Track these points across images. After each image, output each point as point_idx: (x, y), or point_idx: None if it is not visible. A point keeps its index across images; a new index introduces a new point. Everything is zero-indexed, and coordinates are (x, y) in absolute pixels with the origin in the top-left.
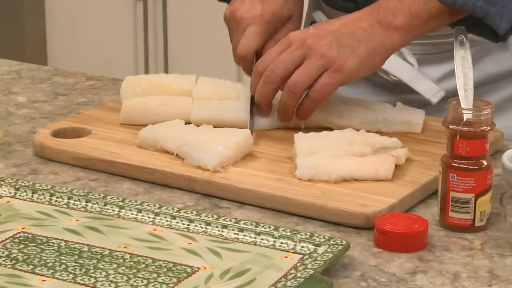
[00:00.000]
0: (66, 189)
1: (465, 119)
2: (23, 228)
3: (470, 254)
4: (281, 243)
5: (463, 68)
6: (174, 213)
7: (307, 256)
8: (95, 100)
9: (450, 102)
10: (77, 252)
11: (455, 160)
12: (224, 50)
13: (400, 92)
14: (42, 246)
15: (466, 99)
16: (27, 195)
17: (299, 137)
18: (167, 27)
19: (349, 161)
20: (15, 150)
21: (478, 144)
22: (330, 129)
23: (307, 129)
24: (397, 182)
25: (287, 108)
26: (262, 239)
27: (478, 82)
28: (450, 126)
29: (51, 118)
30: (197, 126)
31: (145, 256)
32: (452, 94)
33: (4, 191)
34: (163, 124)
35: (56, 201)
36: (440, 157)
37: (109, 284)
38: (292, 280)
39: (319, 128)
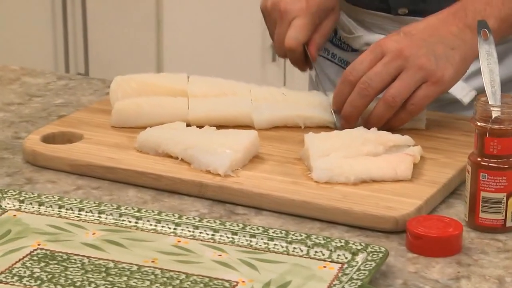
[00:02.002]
0: (75, 200)
1: (494, 116)
2: (38, 245)
3: (509, 257)
4: (315, 252)
5: (489, 64)
6: (197, 222)
7: (346, 265)
8: (72, 101)
9: (478, 99)
10: (103, 269)
11: (485, 159)
12: (139, 44)
13: None
14: (64, 264)
15: (493, 95)
16: (33, 207)
17: (310, 137)
18: (87, 21)
19: (367, 162)
20: (3, 158)
21: (509, 142)
22: (330, 128)
23: (307, 128)
24: (417, 182)
25: (381, 120)
26: (294, 248)
27: (506, 79)
28: (479, 124)
29: (32, 122)
30: (198, 127)
31: (177, 271)
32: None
33: (8, 204)
34: (163, 127)
35: (66, 213)
36: (451, 154)
37: None
38: None
39: (319, 127)
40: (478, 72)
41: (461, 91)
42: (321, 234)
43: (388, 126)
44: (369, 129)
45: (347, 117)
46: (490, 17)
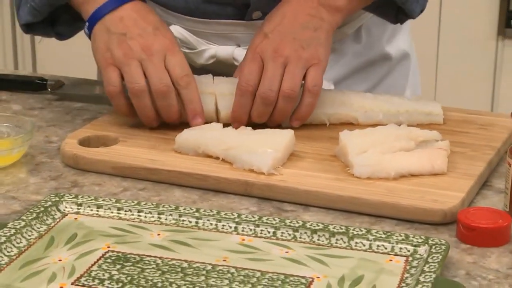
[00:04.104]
0: (132, 202)
1: None
2: (108, 247)
3: None
4: (378, 246)
5: None
6: (257, 221)
7: (410, 258)
8: (92, 104)
9: None
10: (179, 269)
11: None
12: (86, 43)
13: None
14: (140, 265)
15: None
16: (91, 210)
17: (346, 135)
18: None
19: (404, 157)
20: (43, 162)
21: None
22: (352, 125)
23: (332, 125)
24: (452, 176)
25: (286, 114)
26: (356, 243)
27: (344, 76)
28: None
29: (59, 125)
30: (235, 128)
31: (251, 269)
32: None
33: (66, 207)
34: (201, 128)
35: (125, 215)
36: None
37: None
38: (420, 286)
39: (342, 124)
40: (333, 63)
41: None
42: (372, 228)
43: (301, 117)
44: (274, 126)
45: (256, 121)
46: None
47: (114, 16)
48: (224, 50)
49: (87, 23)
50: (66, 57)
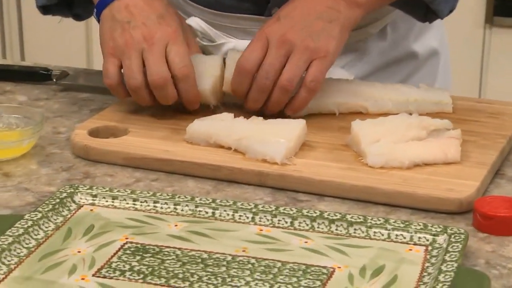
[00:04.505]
0: (147, 192)
1: None
2: (126, 238)
3: None
4: (396, 235)
5: None
6: (274, 211)
7: (430, 248)
8: (97, 95)
9: None
10: (199, 260)
11: None
12: (76, 36)
13: None
14: (159, 256)
15: None
16: (107, 201)
17: (358, 124)
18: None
19: (417, 146)
20: (53, 153)
21: None
22: (361, 114)
23: (341, 115)
24: (466, 164)
25: (280, 105)
26: (375, 232)
27: (367, 74)
28: None
29: (66, 116)
30: (246, 119)
31: (271, 259)
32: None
33: (81, 198)
34: (212, 119)
35: (141, 206)
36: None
37: None
38: (443, 275)
39: (351, 113)
40: (356, 61)
41: (346, 77)
42: (388, 217)
43: (293, 109)
44: (268, 115)
45: (251, 108)
46: None
47: (121, 3)
48: (243, 44)
49: (95, 9)
50: (54, 46)
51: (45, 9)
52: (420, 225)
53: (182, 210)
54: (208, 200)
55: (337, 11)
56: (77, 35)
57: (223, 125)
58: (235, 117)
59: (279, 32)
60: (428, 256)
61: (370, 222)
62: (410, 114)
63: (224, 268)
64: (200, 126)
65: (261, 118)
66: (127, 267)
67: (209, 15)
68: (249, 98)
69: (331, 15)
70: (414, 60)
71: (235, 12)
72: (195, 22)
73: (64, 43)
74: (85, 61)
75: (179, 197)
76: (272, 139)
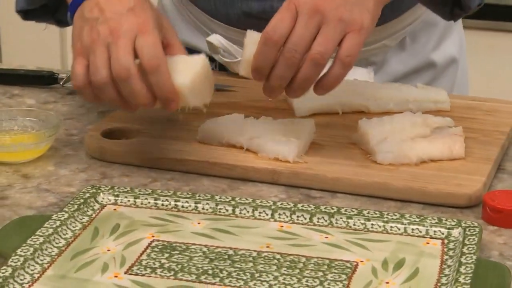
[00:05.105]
0: (168, 192)
1: None
2: (153, 236)
3: None
4: (412, 229)
5: None
6: (293, 208)
7: (446, 241)
8: None
9: None
10: (226, 257)
11: None
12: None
13: None
14: (187, 253)
15: None
16: (129, 201)
17: (365, 123)
18: None
19: (423, 143)
20: (68, 155)
21: None
22: (363, 113)
23: (344, 114)
24: (470, 160)
25: (310, 81)
26: (391, 227)
27: (444, 62)
28: None
29: (77, 119)
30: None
31: (296, 255)
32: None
33: (103, 198)
34: (223, 119)
35: (163, 205)
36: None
37: (285, 287)
38: (463, 267)
39: (354, 112)
40: (375, 70)
41: (367, 75)
42: (400, 212)
43: (325, 88)
44: (298, 95)
45: (274, 88)
46: None
47: (91, 2)
48: None
49: (69, 12)
50: (32, 47)
51: (25, 14)
52: (435, 219)
53: (203, 208)
54: (228, 198)
55: None
56: (51, 35)
57: (234, 125)
58: (245, 117)
59: (310, 1)
60: (445, 249)
61: (387, 217)
62: (414, 112)
63: (251, 264)
64: (212, 126)
65: (270, 118)
66: (157, 264)
67: (231, 32)
68: (273, 74)
69: None
70: (433, 69)
71: (258, 31)
72: (216, 39)
73: (42, 44)
74: (59, 62)
75: (199, 196)
76: (283, 138)
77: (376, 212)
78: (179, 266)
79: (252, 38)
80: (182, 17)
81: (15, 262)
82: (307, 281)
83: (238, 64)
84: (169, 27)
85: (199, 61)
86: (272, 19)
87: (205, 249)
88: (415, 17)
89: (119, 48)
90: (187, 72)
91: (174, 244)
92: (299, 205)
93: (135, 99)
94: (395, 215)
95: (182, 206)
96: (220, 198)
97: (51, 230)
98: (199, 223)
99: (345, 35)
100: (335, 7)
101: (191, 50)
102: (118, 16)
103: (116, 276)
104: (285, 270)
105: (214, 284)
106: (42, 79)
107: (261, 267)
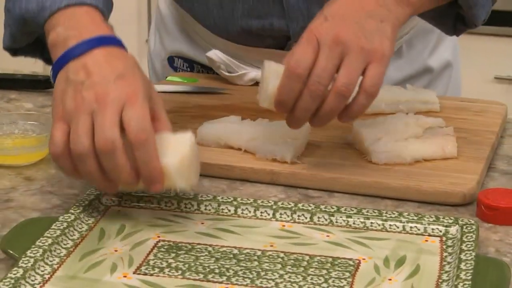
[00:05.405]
0: (170, 193)
1: None
2: (158, 237)
3: None
4: (411, 227)
5: None
6: (293, 207)
7: (444, 238)
8: None
9: None
10: (231, 256)
11: None
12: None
13: None
14: (193, 253)
15: None
16: (132, 202)
17: (359, 124)
18: None
19: (416, 143)
20: None
21: None
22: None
23: None
24: (463, 159)
25: (335, 113)
26: (390, 225)
27: (440, 67)
28: None
29: None
30: (252, 120)
31: (299, 253)
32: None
33: (107, 200)
34: (221, 121)
35: (166, 205)
36: (477, 132)
37: (291, 285)
38: (464, 264)
39: None
40: None
41: None
42: (397, 210)
43: (349, 117)
44: (322, 125)
45: (299, 120)
46: None
47: (78, 63)
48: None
49: (51, 70)
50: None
51: (14, 52)
52: (432, 217)
53: (205, 208)
54: (230, 198)
55: (388, 10)
56: None
57: (232, 127)
58: (242, 119)
59: (331, 32)
60: (444, 246)
61: (385, 216)
62: (406, 113)
63: (256, 263)
64: (210, 128)
65: (267, 119)
66: (165, 264)
67: (232, 48)
68: (298, 106)
69: (382, 14)
70: (429, 74)
71: (258, 46)
72: (215, 55)
73: None
74: (42, 66)
75: (201, 196)
76: (280, 140)
77: (375, 211)
78: (186, 265)
79: (272, 70)
80: (179, 27)
81: (25, 263)
82: (312, 279)
83: (239, 77)
84: (157, 98)
85: (187, 141)
86: (294, 51)
87: (210, 248)
88: (412, 26)
89: (105, 118)
90: (175, 152)
91: (179, 244)
92: (300, 205)
93: (118, 174)
94: (394, 214)
95: (185, 207)
96: (222, 198)
97: (58, 232)
98: (202, 223)
99: (367, 64)
100: (356, 37)
101: (187, 60)
102: (106, 82)
103: (125, 276)
104: (290, 268)
105: (221, 282)
106: (38, 84)
107: (266, 266)
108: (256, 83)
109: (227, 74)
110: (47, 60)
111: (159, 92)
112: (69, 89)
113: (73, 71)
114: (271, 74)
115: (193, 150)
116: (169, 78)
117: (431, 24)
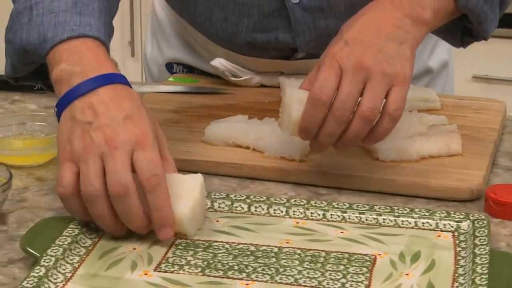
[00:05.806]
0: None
1: None
2: (176, 234)
3: None
4: (423, 223)
5: None
6: (306, 204)
7: (457, 233)
8: None
9: None
10: (248, 253)
11: None
12: None
13: None
14: (211, 250)
15: None
16: None
17: None
18: None
19: (422, 141)
20: None
21: None
22: None
23: None
24: (467, 156)
25: (359, 137)
26: (402, 221)
27: (437, 67)
28: None
29: None
30: (260, 120)
31: (315, 249)
32: None
33: None
34: (228, 120)
35: None
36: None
37: (310, 280)
38: (479, 258)
39: None
40: None
41: None
42: (407, 206)
43: (373, 140)
44: (346, 149)
45: (323, 145)
46: (427, 7)
47: (83, 102)
48: (268, 79)
49: (55, 108)
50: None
51: (16, 80)
52: (443, 213)
53: (219, 206)
54: (243, 196)
55: (405, 31)
56: None
57: (240, 126)
58: (249, 118)
59: (353, 58)
60: (457, 241)
61: (397, 212)
62: (410, 111)
63: (274, 259)
64: (218, 127)
65: (273, 118)
66: (184, 261)
67: (237, 58)
68: (323, 132)
69: (400, 36)
70: (429, 74)
71: (262, 57)
72: (220, 63)
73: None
74: None
75: (214, 195)
76: (288, 138)
77: (387, 207)
78: (205, 262)
79: (294, 97)
80: (177, 33)
81: (47, 262)
82: (330, 274)
83: (245, 81)
84: (163, 138)
85: (197, 185)
86: (316, 79)
87: (227, 246)
88: None
89: (116, 161)
90: (186, 199)
91: (197, 242)
92: (312, 202)
93: (129, 219)
94: (405, 210)
95: None
96: (235, 196)
97: (77, 231)
98: (217, 221)
99: (390, 88)
100: (378, 62)
101: (187, 66)
102: (114, 123)
103: (146, 274)
104: (307, 265)
105: (242, 279)
106: None
107: (284, 262)
108: (262, 86)
109: (232, 78)
110: (50, 87)
111: (160, 92)
112: (76, 129)
113: (79, 111)
114: (293, 101)
115: (202, 193)
116: (170, 78)
117: (439, 37)
